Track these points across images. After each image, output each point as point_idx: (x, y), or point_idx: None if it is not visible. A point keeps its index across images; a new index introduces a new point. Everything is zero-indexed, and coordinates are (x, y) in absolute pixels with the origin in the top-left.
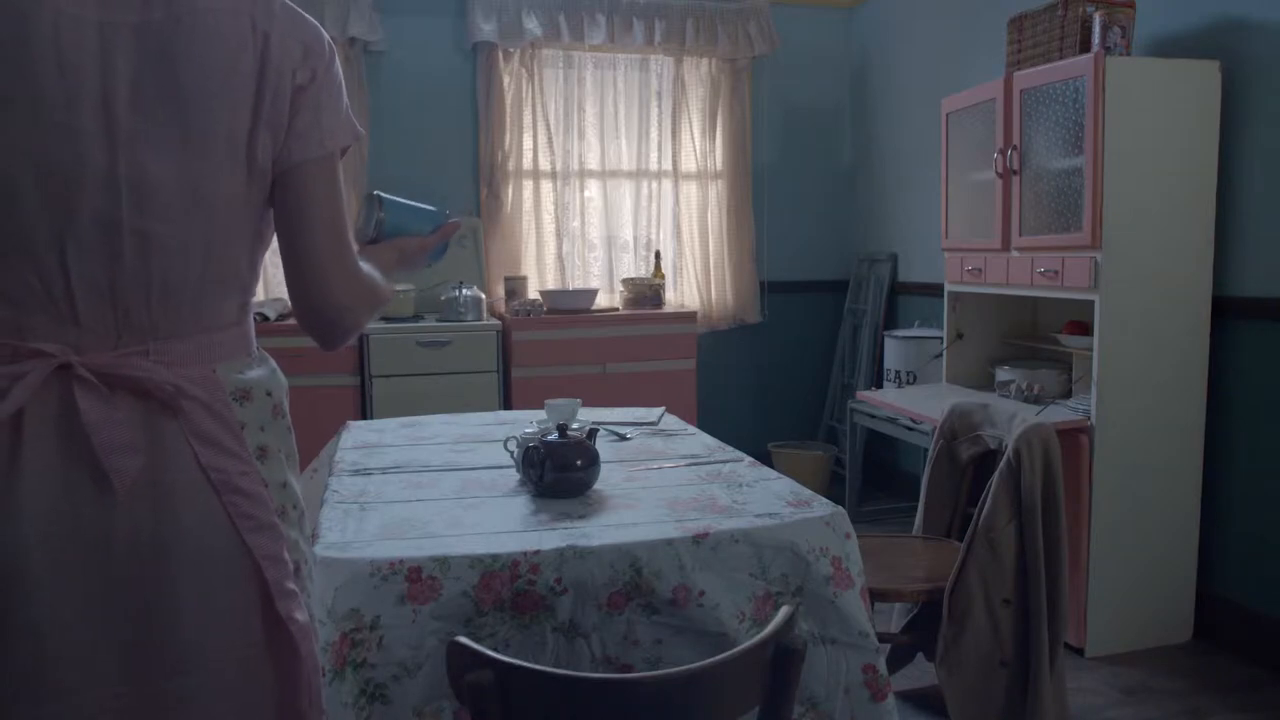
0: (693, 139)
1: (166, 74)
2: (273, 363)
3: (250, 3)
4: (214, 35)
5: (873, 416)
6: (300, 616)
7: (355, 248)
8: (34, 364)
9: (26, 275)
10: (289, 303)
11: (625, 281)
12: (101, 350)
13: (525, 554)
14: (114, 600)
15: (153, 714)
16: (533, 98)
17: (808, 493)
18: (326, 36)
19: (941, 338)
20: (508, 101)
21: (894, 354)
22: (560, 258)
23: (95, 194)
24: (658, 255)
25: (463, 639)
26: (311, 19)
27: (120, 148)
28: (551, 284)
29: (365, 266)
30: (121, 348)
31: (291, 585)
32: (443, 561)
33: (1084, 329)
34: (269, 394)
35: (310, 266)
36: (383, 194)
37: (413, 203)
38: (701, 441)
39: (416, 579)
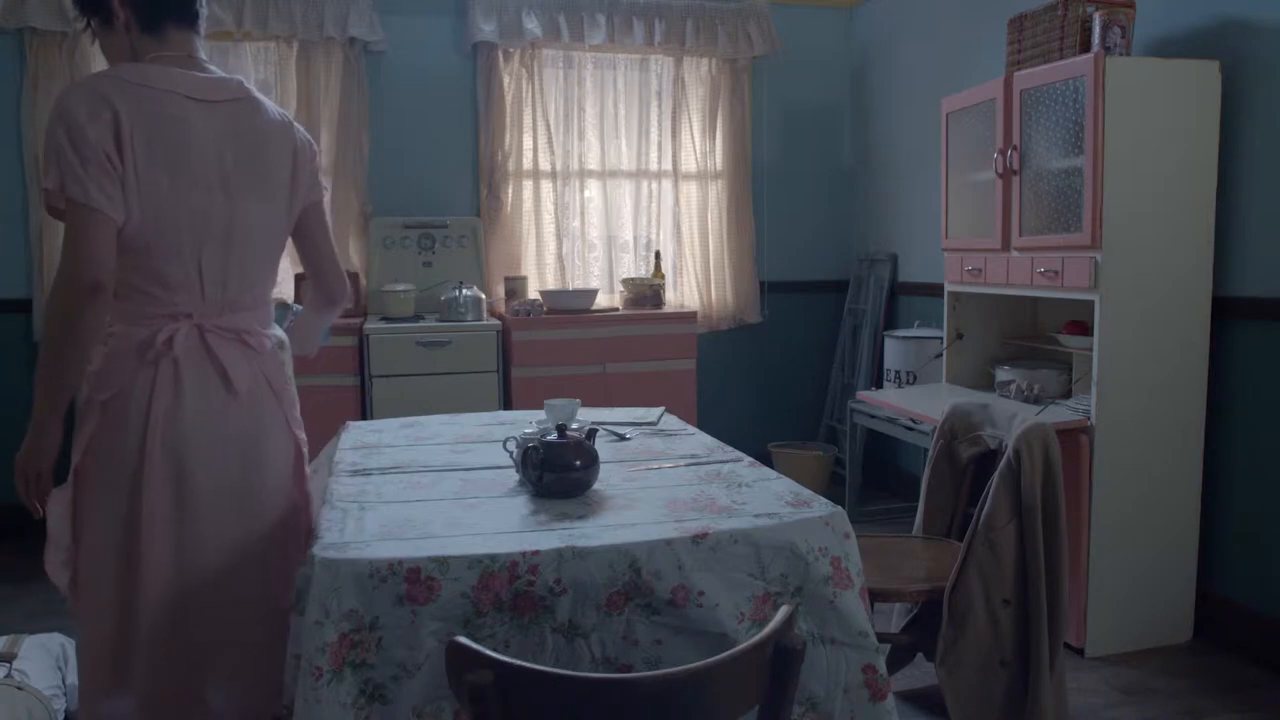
0: (693, 139)
1: (251, 159)
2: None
3: (282, 114)
4: (273, 136)
5: (873, 416)
6: (309, 470)
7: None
8: (184, 322)
9: (177, 271)
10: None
11: (625, 281)
12: (214, 316)
13: (524, 554)
14: (231, 464)
15: (247, 529)
16: (533, 98)
17: (807, 493)
18: None
19: (941, 338)
20: (508, 101)
21: (894, 354)
22: (560, 258)
23: (218, 226)
24: (658, 255)
25: (462, 639)
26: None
27: (230, 200)
28: (551, 284)
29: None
30: (225, 314)
31: (306, 454)
32: (442, 562)
33: (1084, 329)
34: (286, 347)
35: (324, 255)
36: (292, 303)
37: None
38: (701, 441)
39: (415, 580)
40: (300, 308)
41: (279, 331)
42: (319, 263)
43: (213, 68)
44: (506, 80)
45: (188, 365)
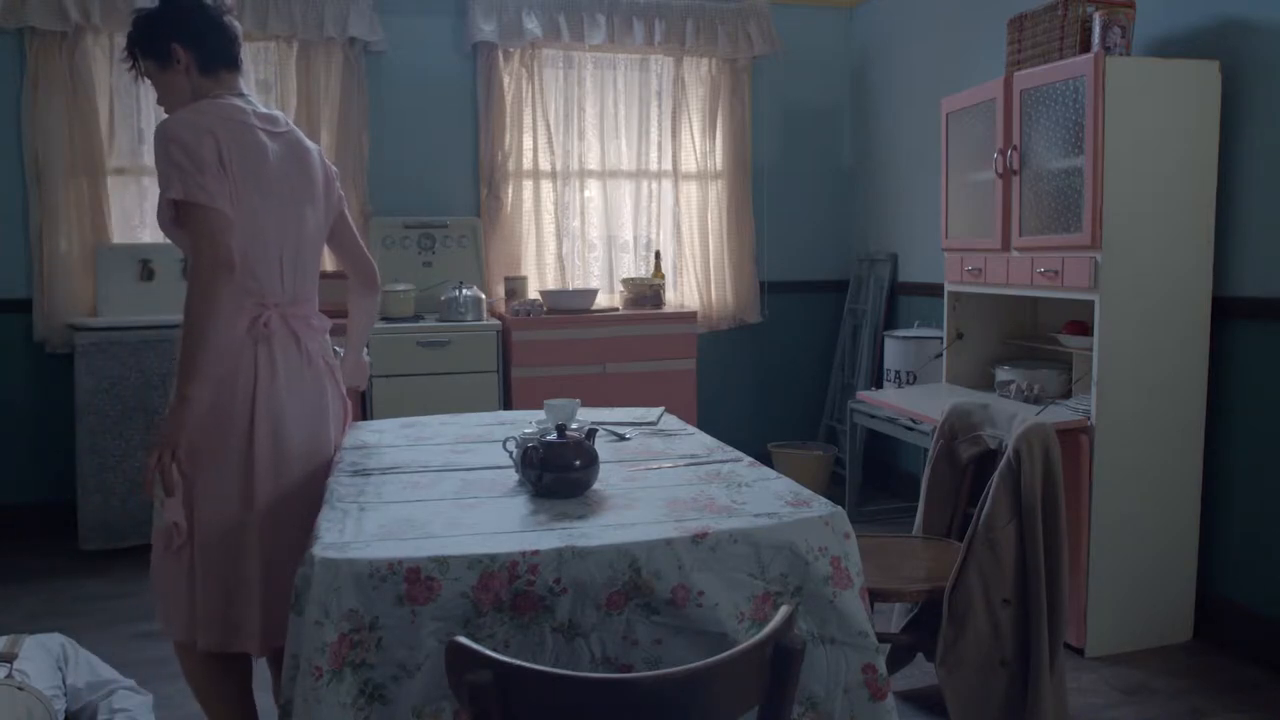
0: (693, 139)
1: (303, 179)
2: None
3: (312, 142)
4: (313, 161)
5: (873, 416)
6: (348, 417)
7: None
8: (273, 310)
9: (265, 269)
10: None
11: (625, 281)
12: (289, 305)
13: (524, 554)
14: (310, 421)
15: (317, 470)
16: (533, 98)
17: (807, 492)
18: None
19: (941, 338)
20: (508, 101)
21: (894, 354)
22: (560, 258)
23: (290, 233)
24: (658, 255)
25: (462, 639)
26: None
27: (297, 212)
28: (551, 284)
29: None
30: (295, 303)
31: (350, 409)
32: (441, 562)
33: (1084, 329)
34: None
35: (355, 249)
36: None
37: None
38: (701, 441)
39: (415, 580)
40: (340, 350)
41: (325, 320)
42: (355, 256)
43: (255, 99)
44: (506, 80)
45: (278, 344)
